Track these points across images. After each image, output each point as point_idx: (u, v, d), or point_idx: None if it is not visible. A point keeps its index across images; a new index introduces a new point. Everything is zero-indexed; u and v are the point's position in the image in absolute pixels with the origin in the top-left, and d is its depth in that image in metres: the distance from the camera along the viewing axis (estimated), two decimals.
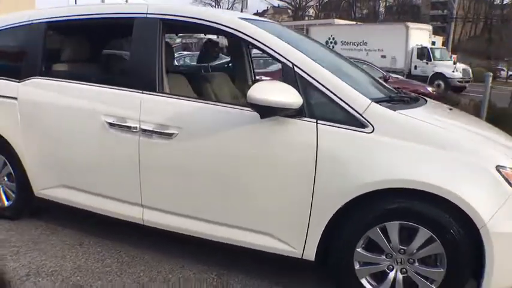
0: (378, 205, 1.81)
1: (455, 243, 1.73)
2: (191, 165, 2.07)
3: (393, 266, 1.87)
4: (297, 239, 1.95)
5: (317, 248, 1.94)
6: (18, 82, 2.56)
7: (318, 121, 1.86)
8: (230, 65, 3.75)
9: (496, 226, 1.66)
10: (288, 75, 1.93)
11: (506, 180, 1.72)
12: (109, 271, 2.26)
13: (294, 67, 1.92)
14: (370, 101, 1.86)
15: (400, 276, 1.87)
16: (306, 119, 1.87)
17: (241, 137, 1.96)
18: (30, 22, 2.61)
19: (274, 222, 1.98)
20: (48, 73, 2.56)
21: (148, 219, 2.27)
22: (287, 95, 1.80)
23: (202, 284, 2.16)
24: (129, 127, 2.15)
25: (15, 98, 2.55)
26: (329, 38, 18.68)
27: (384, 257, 1.87)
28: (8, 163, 2.71)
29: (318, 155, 1.84)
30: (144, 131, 2.12)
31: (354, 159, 1.81)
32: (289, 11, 62.64)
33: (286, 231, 1.97)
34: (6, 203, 2.82)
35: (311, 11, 62.85)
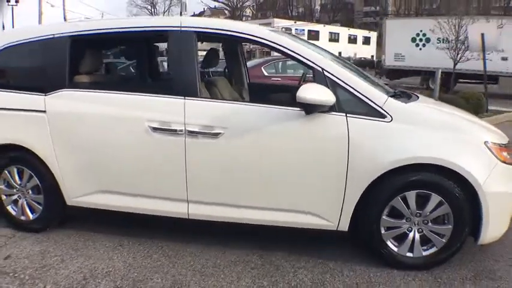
0: (399, 179, 2.24)
1: (459, 204, 2.22)
2: (238, 159, 2.35)
3: (412, 228, 2.33)
4: (334, 214, 2.33)
5: (350, 220, 2.33)
6: (44, 95, 2.63)
7: (347, 114, 2.25)
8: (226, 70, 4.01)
9: (488, 187, 2.18)
10: (319, 77, 2.29)
11: (491, 151, 2.25)
12: (160, 264, 2.45)
13: (324, 71, 2.30)
14: (387, 96, 2.30)
15: (417, 235, 2.33)
16: (337, 113, 2.25)
17: (285, 131, 2.28)
18: (51, 36, 2.68)
19: (315, 202, 2.34)
20: (77, 85, 2.65)
21: (194, 213, 2.50)
22: (325, 94, 2.17)
23: (249, 264, 2.45)
24: (175, 130, 2.37)
25: (43, 111, 2.62)
26: (417, 34, 14.77)
27: (404, 221, 2.32)
28: (34, 176, 2.75)
29: (350, 142, 2.23)
30: (190, 132, 2.36)
31: (378, 143, 2.22)
32: (226, 11, 63.28)
33: (324, 208, 2.33)
34: (31, 216, 2.84)
35: (248, 11, 64.07)
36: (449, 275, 2.31)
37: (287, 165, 2.31)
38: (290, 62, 9.14)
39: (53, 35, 2.68)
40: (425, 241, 2.34)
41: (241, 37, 2.45)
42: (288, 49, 2.36)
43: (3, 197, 2.88)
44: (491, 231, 2.25)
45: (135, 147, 2.48)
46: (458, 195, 2.21)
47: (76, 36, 2.64)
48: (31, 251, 2.62)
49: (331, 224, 2.36)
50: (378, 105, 2.26)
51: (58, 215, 2.83)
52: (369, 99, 2.27)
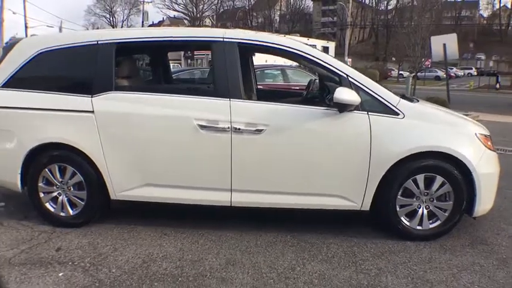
0: (411, 165, 2.73)
1: (458, 183, 2.74)
2: (278, 152, 2.72)
3: (420, 205, 2.82)
4: (358, 196, 2.77)
5: (371, 201, 2.78)
6: (91, 97, 2.83)
7: (369, 113, 2.72)
8: None
9: (479, 169, 2.73)
10: (344, 82, 2.74)
11: (480, 141, 2.82)
12: (209, 247, 2.74)
13: (348, 77, 2.75)
14: (399, 98, 2.79)
15: (425, 211, 2.83)
16: (360, 112, 2.71)
17: (319, 127, 2.69)
18: (95, 42, 2.90)
19: (343, 186, 2.76)
20: (124, 87, 2.89)
21: (236, 200, 2.82)
22: (355, 96, 2.62)
23: (287, 243, 2.81)
24: (222, 127, 2.70)
25: (91, 112, 2.82)
26: None
27: (415, 200, 2.81)
28: (77, 172, 2.92)
29: (372, 135, 2.69)
30: (236, 129, 2.69)
31: (394, 136, 2.70)
32: (185, 21, 63.41)
33: (350, 191, 2.76)
34: (71, 211, 3.00)
35: (207, 21, 64.65)
36: (451, 243, 2.83)
37: (321, 156, 2.72)
38: (268, 71, 9.64)
39: (97, 41, 2.90)
40: (431, 216, 2.84)
41: (280, 49, 2.85)
42: (320, 59, 2.79)
43: (41, 195, 3.01)
44: (482, 205, 2.80)
45: (183, 143, 2.77)
46: (457, 176, 2.74)
47: (122, 43, 2.88)
48: (80, 242, 2.79)
49: (355, 205, 2.79)
50: (392, 105, 2.74)
51: (100, 209, 3.02)
52: (385, 100, 2.75)
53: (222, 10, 65.19)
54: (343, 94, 2.57)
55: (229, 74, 2.76)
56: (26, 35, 24.18)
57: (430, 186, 2.78)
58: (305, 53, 2.81)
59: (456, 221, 2.84)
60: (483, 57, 46.35)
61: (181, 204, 2.93)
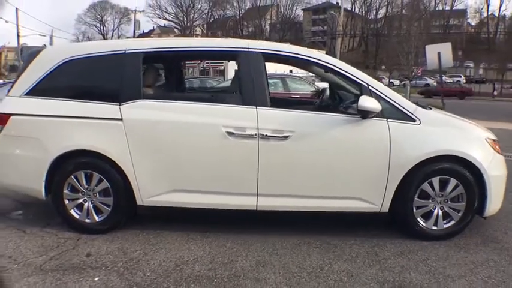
0: (427, 168, 2.89)
1: (470, 185, 2.92)
2: (303, 157, 2.84)
3: (436, 206, 2.98)
4: (378, 198, 2.91)
5: (390, 203, 2.93)
6: (119, 105, 2.91)
7: (388, 119, 2.88)
8: None
9: (490, 171, 2.91)
10: (365, 91, 2.90)
11: (490, 145, 3.01)
12: (237, 250, 2.83)
13: (369, 86, 2.91)
14: (416, 105, 2.97)
15: (440, 212, 2.99)
16: (380, 119, 2.87)
17: (342, 133, 2.84)
18: (122, 51, 2.98)
19: (364, 189, 2.90)
20: (151, 96, 2.98)
21: (262, 205, 2.93)
22: (376, 104, 2.77)
23: (311, 244, 2.92)
24: (249, 134, 2.81)
25: (119, 119, 2.89)
26: None
27: (430, 201, 2.97)
28: (104, 179, 2.98)
29: (391, 140, 2.84)
30: (263, 135, 2.81)
31: (412, 141, 2.86)
32: (175, 30, 63.62)
33: (371, 194, 2.90)
34: (96, 218, 3.05)
35: (198, 30, 65.00)
36: (465, 242, 2.99)
37: (343, 160, 2.86)
38: (268, 80, 9.81)
39: (124, 50, 2.99)
40: (445, 216, 2.99)
41: (303, 59, 2.99)
42: (341, 69, 2.95)
43: (66, 202, 3.04)
44: (492, 205, 2.97)
45: (211, 149, 2.86)
46: (469, 178, 2.91)
47: (149, 53, 2.98)
48: (108, 248, 2.84)
49: (375, 207, 2.93)
50: (410, 112, 2.91)
51: (126, 215, 3.07)
52: (403, 107, 2.92)
53: (212, 19, 65.58)
54: (367, 102, 2.73)
55: (255, 83, 2.89)
56: (18, 43, 24.22)
57: (444, 188, 2.94)
58: (328, 63, 2.97)
59: (469, 220, 3.01)
60: (472, 65, 47.67)
61: (205, 209, 3.02)
